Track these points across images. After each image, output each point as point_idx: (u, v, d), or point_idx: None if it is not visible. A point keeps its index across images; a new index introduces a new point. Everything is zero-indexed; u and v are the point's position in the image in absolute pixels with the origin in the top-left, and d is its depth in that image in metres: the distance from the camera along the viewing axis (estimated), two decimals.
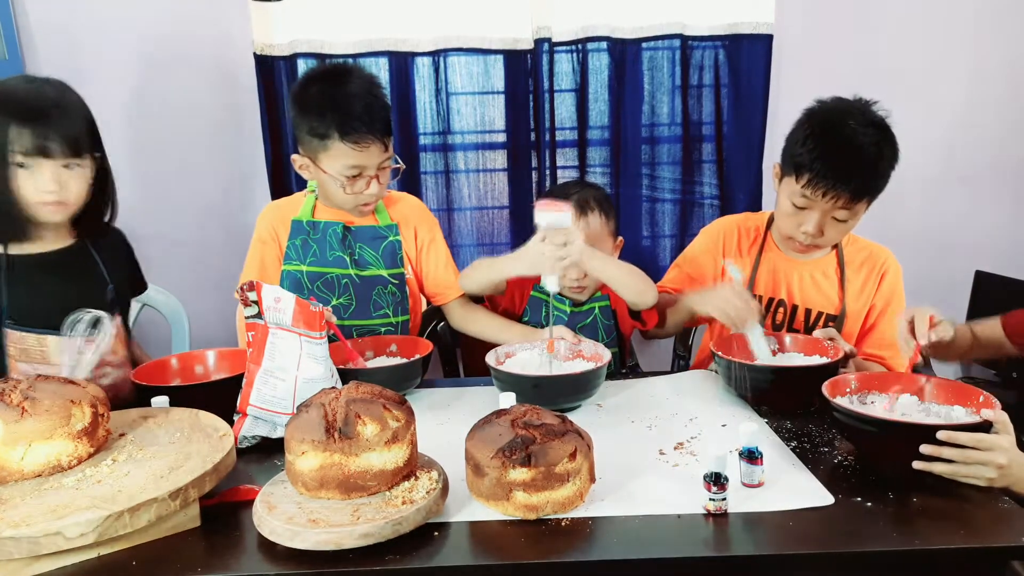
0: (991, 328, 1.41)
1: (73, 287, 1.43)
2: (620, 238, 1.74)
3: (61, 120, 1.32)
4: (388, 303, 1.69)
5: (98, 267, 1.48)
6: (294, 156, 1.60)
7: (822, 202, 1.43)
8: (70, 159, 1.34)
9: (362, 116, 1.48)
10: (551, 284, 1.44)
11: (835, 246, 1.62)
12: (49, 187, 1.32)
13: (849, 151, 1.38)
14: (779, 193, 1.54)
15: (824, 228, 1.47)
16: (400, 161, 1.63)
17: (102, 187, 1.44)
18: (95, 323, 1.35)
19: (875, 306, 1.59)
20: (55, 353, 1.35)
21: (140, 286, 1.67)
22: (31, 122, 1.29)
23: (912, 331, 1.25)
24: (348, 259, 1.64)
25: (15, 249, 1.40)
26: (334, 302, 1.63)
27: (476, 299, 1.78)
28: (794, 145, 1.46)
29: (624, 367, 1.75)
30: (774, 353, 1.43)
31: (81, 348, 1.34)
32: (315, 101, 1.50)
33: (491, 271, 1.58)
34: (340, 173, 1.53)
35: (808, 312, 1.61)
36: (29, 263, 1.40)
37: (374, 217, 1.70)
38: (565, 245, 1.39)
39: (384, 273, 1.67)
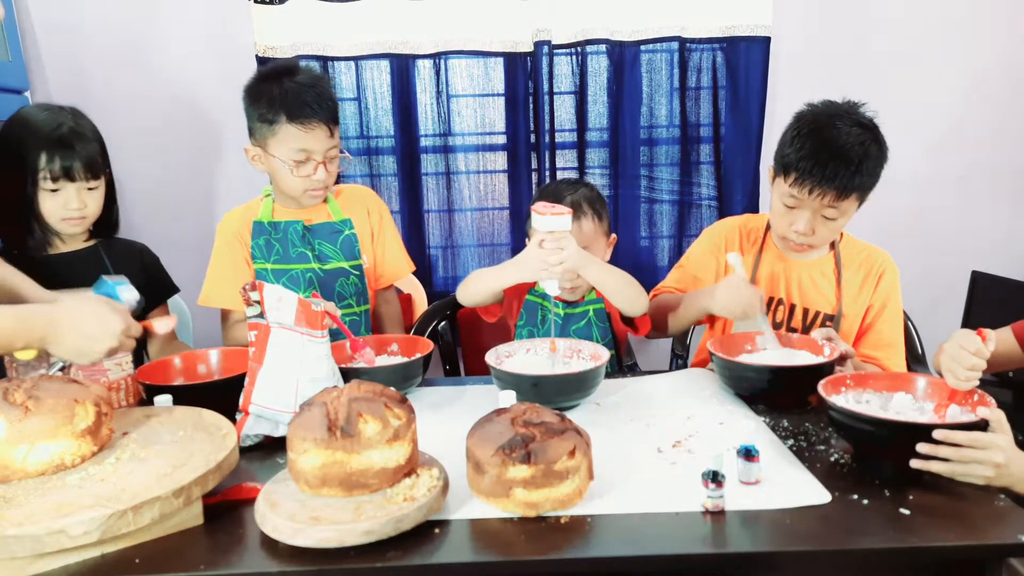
0: (1003, 339, 1.40)
1: (79, 285, 1.49)
2: (613, 235, 1.75)
3: (82, 147, 1.50)
4: (351, 294, 1.75)
5: (106, 267, 1.61)
6: (246, 147, 1.67)
7: (810, 200, 1.46)
8: (91, 181, 1.53)
9: (308, 100, 1.57)
10: (551, 288, 1.45)
11: (832, 247, 1.64)
12: (74, 205, 1.52)
13: (834, 150, 1.42)
14: (772, 194, 1.57)
15: (815, 227, 1.50)
16: (347, 153, 1.72)
17: (112, 197, 1.62)
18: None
19: (872, 307, 1.61)
20: None
21: (164, 291, 1.75)
22: (58, 150, 1.47)
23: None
24: (310, 254, 1.70)
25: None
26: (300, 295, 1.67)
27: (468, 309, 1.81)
28: (784, 147, 1.51)
29: (620, 367, 1.76)
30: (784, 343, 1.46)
31: None
32: (266, 91, 1.59)
33: (489, 281, 1.58)
34: (288, 157, 1.60)
35: (806, 312, 1.62)
36: (41, 262, 1.55)
37: (328, 213, 1.75)
38: (562, 249, 1.40)
39: (345, 265, 1.74)
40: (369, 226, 1.81)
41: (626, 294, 1.56)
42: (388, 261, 1.85)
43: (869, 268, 1.62)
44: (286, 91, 1.57)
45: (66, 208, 1.51)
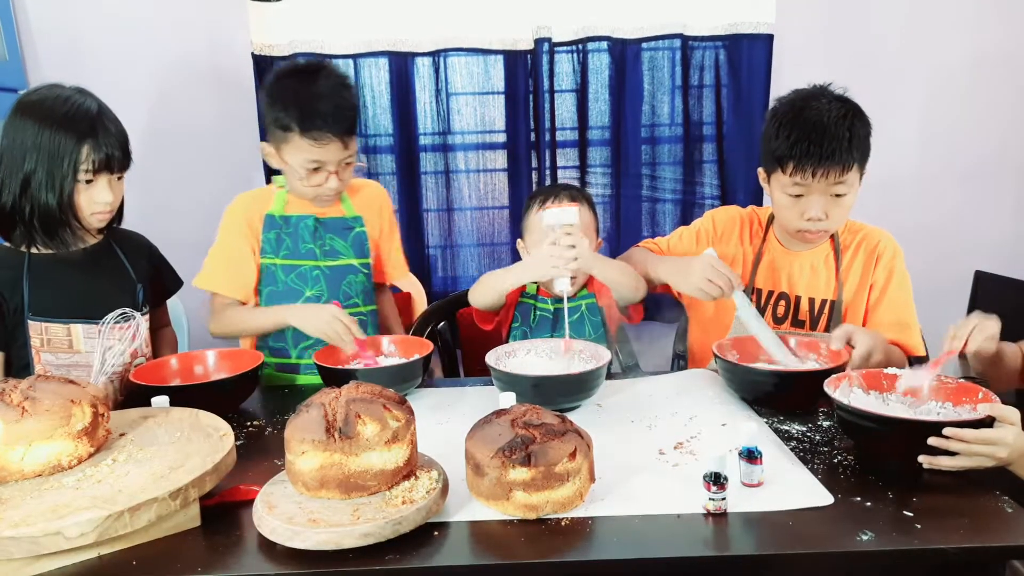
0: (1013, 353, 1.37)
1: (101, 283, 1.47)
2: (600, 240, 1.77)
3: (118, 135, 1.40)
4: (357, 292, 1.73)
5: (125, 266, 1.53)
6: (262, 144, 1.64)
7: (815, 183, 1.46)
8: (125, 171, 1.43)
9: (324, 114, 1.50)
10: (562, 286, 1.47)
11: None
12: (107, 198, 1.40)
13: (822, 128, 1.43)
14: (772, 193, 1.57)
15: (828, 209, 1.49)
16: (363, 159, 1.68)
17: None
18: (124, 318, 1.41)
19: (874, 287, 1.59)
20: (81, 341, 1.40)
21: (169, 286, 1.70)
22: (98, 139, 1.35)
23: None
24: (318, 251, 1.68)
25: (36, 248, 1.43)
26: (308, 293, 1.67)
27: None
28: (770, 142, 1.50)
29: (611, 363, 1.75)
30: (786, 343, 1.44)
31: (109, 338, 1.41)
32: (282, 95, 1.54)
33: (498, 281, 1.61)
34: (300, 166, 1.57)
35: (812, 301, 1.61)
36: (51, 262, 1.43)
37: (340, 209, 1.73)
38: (574, 247, 1.45)
39: (355, 262, 1.72)
40: (380, 223, 1.80)
41: (629, 283, 1.62)
42: (392, 260, 1.84)
43: (867, 248, 1.61)
44: (302, 101, 1.50)
45: (98, 201, 1.39)
